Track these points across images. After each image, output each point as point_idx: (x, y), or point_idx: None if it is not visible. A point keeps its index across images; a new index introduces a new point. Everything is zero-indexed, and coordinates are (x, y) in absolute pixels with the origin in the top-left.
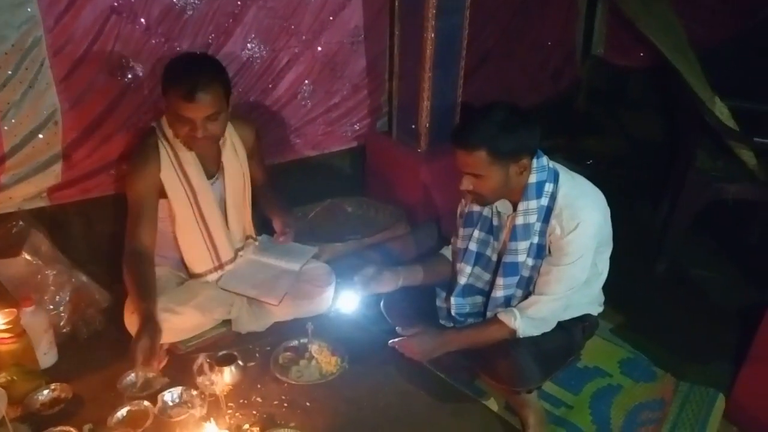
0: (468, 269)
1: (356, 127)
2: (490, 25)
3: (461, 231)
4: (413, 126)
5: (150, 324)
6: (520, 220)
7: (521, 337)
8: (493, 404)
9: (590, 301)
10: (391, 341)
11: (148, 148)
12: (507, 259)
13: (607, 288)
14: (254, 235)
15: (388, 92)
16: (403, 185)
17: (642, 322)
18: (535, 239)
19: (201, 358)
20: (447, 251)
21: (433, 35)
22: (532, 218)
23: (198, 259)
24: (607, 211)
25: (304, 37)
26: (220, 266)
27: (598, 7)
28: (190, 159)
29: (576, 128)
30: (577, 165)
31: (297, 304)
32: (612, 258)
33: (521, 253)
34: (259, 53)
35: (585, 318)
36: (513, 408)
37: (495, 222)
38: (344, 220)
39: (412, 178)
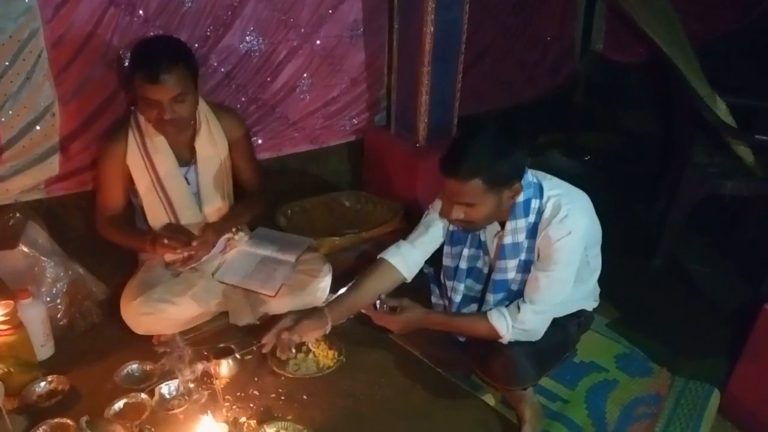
0: (461, 287)
1: (354, 121)
2: (489, 19)
3: (448, 248)
4: (411, 120)
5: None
6: (508, 240)
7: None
8: (489, 399)
9: (585, 297)
10: (366, 310)
11: (117, 133)
12: (496, 276)
13: (603, 283)
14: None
15: (386, 86)
16: (401, 179)
17: (638, 318)
18: (523, 256)
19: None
20: (392, 256)
21: (432, 29)
22: (521, 237)
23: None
24: (593, 211)
25: (302, 31)
26: (190, 257)
27: (597, 3)
28: (159, 145)
29: (574, 123)
30: (574, 160)
31: (293, 296)
32: (608, 253)
33: (510, 270)
34: (257, 46)
35: (580, 313)
36: (509, 402)
37: (482, 237)
38: (342, 215)
39: (410, 173)
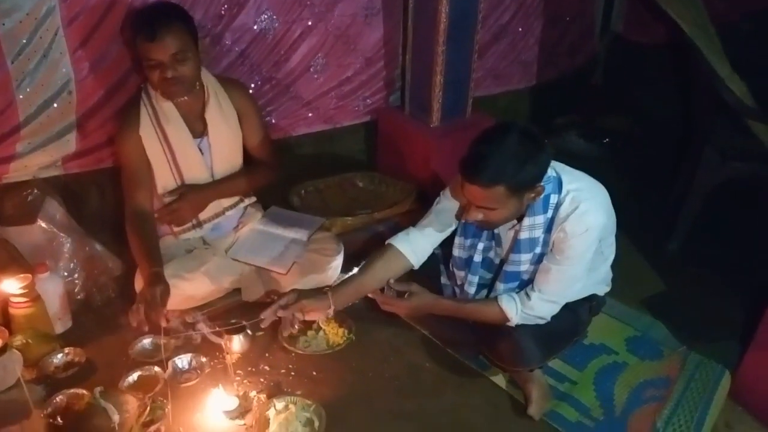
0: (476, 279)
1: (368, 101)
2: None
3: (460, 239)
4: (425, 100)
5: (157, 282)
6: (525, 235)
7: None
8: (498, 378)
9: (597, 282)
10: (373, 294)
11: (129, 106)
12: (508, 268)
13: (618, 266)
14: (246, 199)
15: (401, 66)
16: (414, 160)
17: (652, 301)
18: (538, 249)
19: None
20: (400, 243)
21: (447, 8)
22: (538, 232)
23: None
24: (610, 205)
25: (317, 10)
26: (199, 224)
27: None
28: (170, 115)
29: (592, 105)
30: (592, 143)
31: (305, 274)
32: (624, 237)
33: (524, 264)
34: (271, 25)
35: (592, 298)
36: (517, 382)
37: (496, 230)
38: (355, 195)
39: (423, 153)
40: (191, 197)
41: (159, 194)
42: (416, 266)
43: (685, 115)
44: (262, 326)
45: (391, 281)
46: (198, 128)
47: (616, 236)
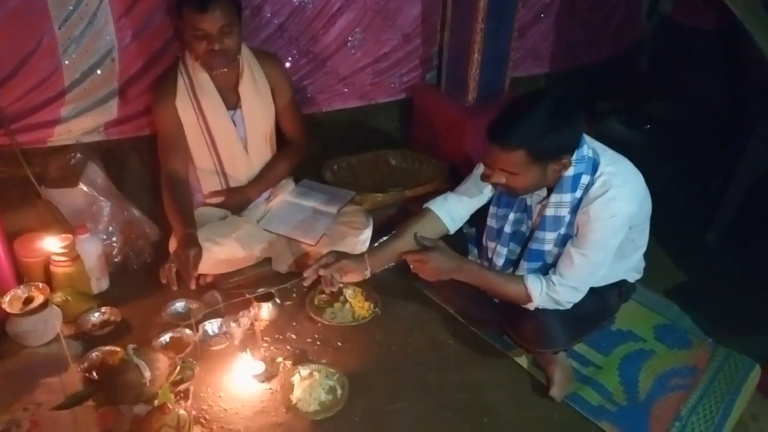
0: (505, 251)
1: (405, 78)
2: None
3: (494, 209)
4: (462, 79)
5: (190, 243)
6: (550, 212)
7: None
8: (521, 359)
9: (628, 269)
10: (404, 253)
11: (167, 76)
12: (533, 246)
13: (652, 254)
14: None
15: (439, 43)
16: (448, 139)
17: (683, 291)
18: (563, 230)
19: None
20: (438, 207)
21: None
22: (564, 211)
23: (208, 184)
24: (645, 193)
25: None
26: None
27: None
28: (205, 87)
29: (637, 91)
30: (634, 129)
31: (334, 246)
32: (662, 225)
33: (548, 243)
34: None
35: (621, 284)
36: (540, 363)
37: (528, 202)
38: (388, 172)
39: (458, 132)
40: (234, 200)
41: (195, 165)
42: (451, 231)
43: (732, 102)
44: (305, 284)
45: (418, 234)
46: (231, 100)
47: (654, 224)
